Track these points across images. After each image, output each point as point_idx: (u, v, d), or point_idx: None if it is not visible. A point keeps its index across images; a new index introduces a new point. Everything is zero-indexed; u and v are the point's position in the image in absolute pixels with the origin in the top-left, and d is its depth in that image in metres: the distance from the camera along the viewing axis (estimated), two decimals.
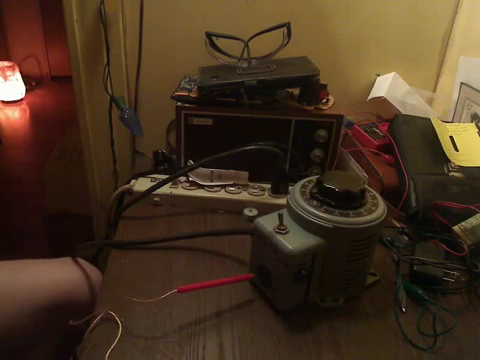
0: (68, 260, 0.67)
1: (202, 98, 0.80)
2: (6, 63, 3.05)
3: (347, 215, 0.53)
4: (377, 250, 0.60)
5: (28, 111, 3.07)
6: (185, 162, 0.84)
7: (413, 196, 0.72)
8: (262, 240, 0.55)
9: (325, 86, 0.83)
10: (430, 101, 1.07)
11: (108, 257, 0.65)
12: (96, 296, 0.61)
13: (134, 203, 0.74)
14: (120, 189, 0.78)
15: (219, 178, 0.78)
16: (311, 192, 0.57)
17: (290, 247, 0.51)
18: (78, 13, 0.87)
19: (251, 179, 0.79)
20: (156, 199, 0.76)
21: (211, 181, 0.78)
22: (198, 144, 0.82)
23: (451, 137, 0.83)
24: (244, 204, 0.75)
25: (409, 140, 0.81)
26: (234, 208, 0.76)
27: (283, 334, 0.54)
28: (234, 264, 0.65)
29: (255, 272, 0.59)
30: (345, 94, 1.03)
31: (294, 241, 0.52)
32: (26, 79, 3.18)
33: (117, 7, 0.89)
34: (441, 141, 0.80)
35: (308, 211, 0.54)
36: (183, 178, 0.79)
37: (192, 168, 0.76)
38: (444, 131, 0.83)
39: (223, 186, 0.78)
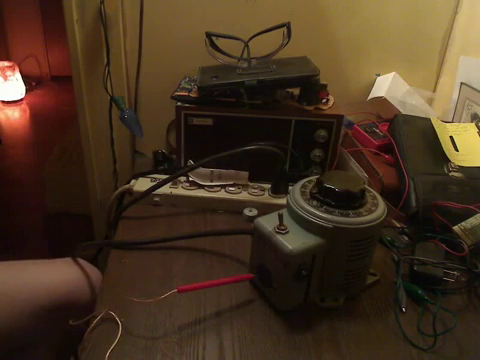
0: (68, 260, 0.67)
1: (202, 98, 0.80)
2: (6, 63, 3.05)
3: (347, 215, 0.53)
4: (377, 250, 0.60)
5: (28, 111, 3.07)
6: (185, 162, 0.84)
7: (413, 196, 0.72)
8: (262, 240, 0.55)
9: (325, 86, 0.83)
10: (430, 101, 1.07)
11: (108, 257, 0.65)
12: (96, 296, 0.61)
13: (134, 203, 0.74)
14: (120, 189, 0.78)
15: (219, 178, 0.78)
16: (311, 192, 0.57)
17: (290, 247, 0.51)
18: (78, 13, 0.87)
19: (251, 179, 0.79)
20: (156, 199, 0.76)
21: (211, 181, 0.78)
22: (198, 144, 0.82)
23: (451, 137, 0.83)
24: (244, 204, 0.75)
25: (409, 140, 0.81)
26: (234, 208, 0.76)
27: (283, 334, 0.54)
28: (234, 264, 0.65)
29: (255, 272, 0.59)
30: (345, 94, 1.03)
31: (294, 241, 0.52)
32: (26, 79, 3.18)
33: (117, 7, 0.89)
34: (441, 141, 0.80)
35: (308, 211, 0.54)
36: (183, 178, 0.79)
37: (192, 168, 0.76)
38: (444, 131, 0.83)
39: (223, 186, 0.78)
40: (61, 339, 0.67)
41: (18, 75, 3.08)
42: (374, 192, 0.59)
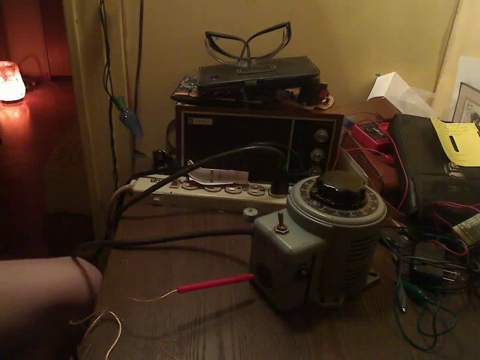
0: (68, 260, 0.67)
1: (202, 98, 0.80)
2: (6, 63, 3.05)
3: (347, 215, 0.53)
4: (377, 250, 0.60)
5: (28, 111, 3.07)
6: (185, 162, 0.84)
7: (413, 196, 0.72)
8: (262, 240, 0.55)
9: (325, 86, 0.82)
10: (430, 101, 1.07)
11: (108, 257, 0.65)
12: (96, 296, 0.61)
13: (134, 203, 0.74)
14: (120, 189, 0.78)
15: (219, 178, 0.78)
16: (311, 192, 0.57)
17: (290, 247, 0.51)
18: (78, 13, 0.87)
19: (251, 179, 0.79)
20: (156, 199, 0.76)
21: (211, 181, 0.78)
22: (198, 144, 0.82)
23: (451, 137, 0.83)
24: (244, 204, 0.75)
25: (409, 140, 0.81)
26: (234, 208, 0.76)
27: (283, 334, 0.54)
28: (234, 264, 0.65)
29: (255, 272, 0.59)
30: (345, 94, 1.03)
31: (294, 241, 0.52)
32: (26, 79, 3.18)
33: (117, 7, 0.89)
34: (441, 141, 0.80)
35: (308, 211, 0.54)
36: (183, 178, 0.79)
37: (192, 168, 0.76)
38: (444, 131, 0.83)
39: (223, 186, 0.78)
40: (61, 339, 0.67)
41: (18, 75, 3.08)
42: (374, 192, 0.59)
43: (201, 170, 0.77)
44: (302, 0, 0.95)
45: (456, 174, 0.75)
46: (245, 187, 0.78)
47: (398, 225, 0.74)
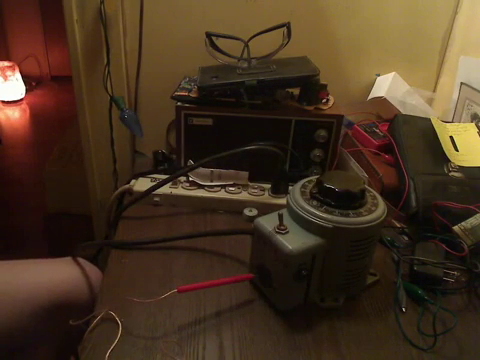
0: (68, 260, 0.67)
1: (202, 98, 0.80)
2: (6, 63, 3.05)
3: (347, 215, 0.53)
4: (377, 250, 0.60)
5: (28, 111, 3.07)
6: (185, 162, 0.84)
7: (413, 196, 0.72)
8: (262, 240, 0.55)
9: (325, 86, 0.82)
10: (430, 101, 1.07)
11: (108, 257, 0.65)
12: (96, 296, 0.61)
13: (134, 203, 0.74)
14: (120, 189, 0.78)
15: (219, 178, 0.78)
16: (311, 192, 0.57)
17: (290, 247, 0.51)
18: (78, 13, 0.87)
19: (251, 179, 0.79)
20: (156, 199, 0.76)
21: (211, 181, 0.78)
22: (198, 144, 0.82)
23: (451, 137, 0.83)
24: (244, 204, 0.75)
25: (409, 140, 0.81)
26: (234, 208, 0.76)
27: (283, 334, 0.54)
28: (234, 264, 0.65)
29: (255, 272, 0.59)
30: (345, 94, 1.03)
31: (294, 241, 0.52)
32: (26, 79, 3.18)
33: (117, 7, 0.89)
34: (441, 141, 0.80)
35: (308, 211, 0.54)
36: (183, 178, 0.79)
37: (192, 168, 0.76)
38: (444, 131, 0.83)
39: (223, 186, 0.78)
40: (61, 339, 0.67)
41: (18, 75, 3.08)
42: (374, 192, 0.59)
43: (201, 170, 0.77)
44: (302, 0, 0.95)
45: (456, 174, 0.75)
46: (245, 187, 0.78)
47: (398, 225, 0.74)
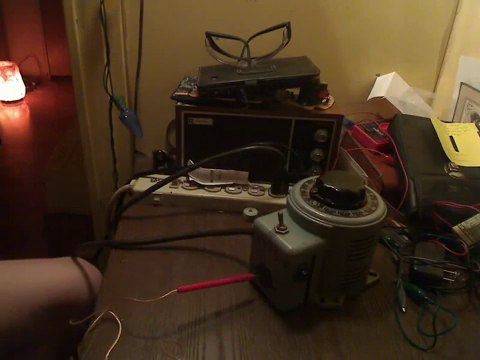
0: (68, 260, 0.67)
1: (202, 98, 0.80)
2: (6, 63, 3.06)
3: (347, 215, 0.53)
4: (377, 250, 0.60)
5: (28, 111, 3.07)
6: (185, 162, 0.84)
7: (413, 196, 0.72)
8: (262, 240, 0.55)
9: (325, 86, 0.82)
10: (430, 101, 1.07)
11: (108, 257, 0.65)
12: (96, 296, 0.61)
13: (134, 203, 0.74)
14: (120, 189, 0.78)
15: (219, 178, 0.78)
16: (311, 192, 0.57)
17: (290, 247, 0.51)
18: (78, 13, 0.87)
19: (251, 179, 0.79)
20: (156, 199, 0.76)
21: (211, 181, 0.78)
22: (198, 144, 0.82)
23: (451, 137, 0.83)
24: (244, 204, 0.75)
25: (409, 140, 0.81)
26: (234, 208, 0.76)
27: (283, 334, 0.54)
28: (234, 264, 0.65)
29: (255, 272, 0.59)
30: (345, 94, 1.03)
31: (294, 241, 0.52)
32: (26, 79, 3.18)
33: (117, 7, 0.89)
34: (441, 141, 0.80)
35: (308, 211, 0.54)
36: (183, 178, 0.79)
37: (192, 168, 0.76)
38: (444, 131, 0.83)
39: (223, 186, 0.78)
40: (61, 339, 0.67)
41: (18, 75, 3.09)
42: (374, 192, 0.59)
43: (201, 170, 0.77)
44: (302, 0, 0.95)
45: (456, 174, 0.75)
46: (245, 187, 0.78)
47: (398, 225, 0.74)
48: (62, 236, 1.44)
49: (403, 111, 0.97)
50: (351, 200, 0.55)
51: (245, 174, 0.78)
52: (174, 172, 0.76)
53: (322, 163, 0.83)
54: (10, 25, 3.25)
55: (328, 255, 0.55)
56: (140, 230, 0.71)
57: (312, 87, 0.80)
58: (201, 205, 0.77)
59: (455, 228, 0.67)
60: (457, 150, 0.80)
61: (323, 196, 0.55)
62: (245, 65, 0.81)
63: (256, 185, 0.79)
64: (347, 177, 0.59)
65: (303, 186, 0.59)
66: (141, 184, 0.77)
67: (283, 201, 0.66)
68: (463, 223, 0.67)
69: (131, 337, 0.51)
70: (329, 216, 0.53)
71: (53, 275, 0.64)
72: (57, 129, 2.56)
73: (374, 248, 0.58)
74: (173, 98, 0.81)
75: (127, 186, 0.78)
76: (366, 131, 0.88)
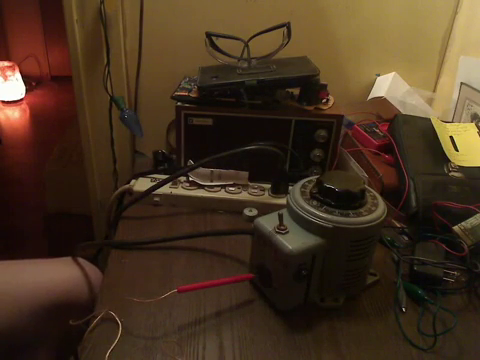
0: (68, 260, 0.67)
1: (202, 98, 0.80)
2: (6, 63, 3.06)
3: (347, 215, 0.53)
4: (377, 250, 0.60)
5: (28, 111, 3.07)
6: (185, 162, 0.84)
7: (413, 196, 0.72)
8: (262, 240, 0.55)
9: (325, 86, 0.82)
10: (430, 101, 1.07)
11: (108, 257, 0.65)
12: (96, 296, 0.61)
13: (134, 203, 0.74)
14: (120, 189, 0.78)
15: (219, 178, 0.78)
16: (311, 192, 0.57)
17: (290, 247, 0.51)
18: (78, 13, 0.87)
19: (251, 179, 0.79)
20: (156, 199, 0.76)
21: (211, 181, 0.78)
22: (198, 144, 0.82)
23: (451, 137, 0.83)
24: (244, 204, 0.75)
25: (409, 140, 0.81)
26: (234, 208, 0.76)
27: (283, 334, 0.54)
28: (234, 264, 0.65)
29: (255, 272, 0.59)
30: (345, 94, 1.03)
31: (294, 241, 0.52)
32: (26, 79, 3.18)
33: (117, 7, 0.89)
34: (441, 141, 0.80)
35: (308, 211, 0.54)
36: (183, 178, 0.79)
37: (192, 168, 0.76)
38: (444, 131, 0.83)
39: (223, 186, 0.78)
40: (61, 339, 0.67)
41: (18, 75, 3.09)
42: (374, 192, 0.59)
43: (201, 170, 0.77)
44: (302, 0, 0.95)
45: (456, 174, 0.75)
46: (245, 187, 0.78)
47: (398, 225, 0.74)
48: (62, 236, 1.44)
49: (403, 111, 0.97)
50: (351, 200, 0.55)
51: (245, 174, 0.78)
52: (174, 172, 0.76)
53: (322, 163, 0.83)
54: (10, 25, 3.25)
55: (328, 255, 0.55)
56: (140, 230, 0.71)
57: (312, 87, 0.80)
58: (201, 205, 0.77)
59: (455, 228, 0.67)
60: (457, 150, 0.80)
61: (323, 196, 0.55)
62: (245, 65, 0.81)
63: (256, 185, 0.79)
64: (347, 177, 0.59)
65: (303, 186, 0.59)
66: (141, 184, 0.77)
67: (283, 201, 0.66)
68: (463, 223, 0.67)
69: (131, 337, 0.51)
70: (329, 216, 0.53)
71: (53, 275, 0.64)
72: (57, 129, 2.56)
73: (374, 248, 0.58)
74: (173, 98, 0.81)
75: (127, 186, 0.78)
76: (366, 131, 0.88)
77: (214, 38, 0.84)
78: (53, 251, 1.48)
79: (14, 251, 1.67)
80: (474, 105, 0.95)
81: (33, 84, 3.33)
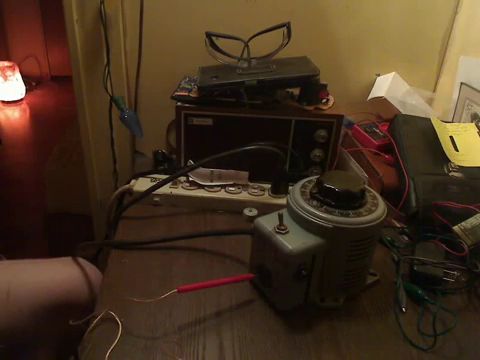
0: (68, 260, 0.67)
1: (202, 98, 0.80)
2: (6, 63, 3.06)
3: (347, 215, 0.53)
4: (377, 250, 0.60)
5: (28, 111, 3.07)
6: (185, 162, 0.84)
7: (413, 196, 0.72)
8: (262, 240, 0.55)
9: (325, 86, 0.82)
10: (430, 101, 1.07)
11: (108, 257, 0.65)
12: (96, 296, 0.61)
13: (134, 203, 0.74)
14: (120, 189, 0.78)
15: (219, 178, 0.78)
16: (311, 192, 0.57)
17: (290, 247, 0.51)
18: (78, 13, 0.87)
19: (251, 179, 0.79)
20: (156, 199, 0.76)
21: (211, 181, 0.78)
22: (198, 144, 0.82)
23: (451, 137, 0.83)
24: (244, 204, 0.75)
25: (409, 140, 0.81)
26: (234, 208, 0.76)
27: (283, 334, 0.54)
28: (234, 264, 0.65)
29: (255, 272, 0.59)
30: (345, 94, 1.03)
31: (294, 241, 0.52)
32: (26, 79, 3.18)
33: (117, 7, 0.89)
34: (441, 141, 0.80)
35: (308, 211, 0.54)
36: (183, 178, 0.79)
37: (192, 168, 0.76)
38: (444, 131, 0.83)
39: (223, 186, 0.78)
40: (61, 339, 0.67)
41: (18, 75, 3.08)
42: (374, 192, 0.59)
43: (201, 170, 0.77)
44: (302, 0, 0.95)
45: (456, 174, 0.75)
46: (245, 187, 0.78)
47: (398, 225, 0.74)
48: (62, 236, 1.44)
49: (403, 111, 0.97)
50: (351, 200, 0.55)
51: (245, 174, 0.78)
52: (174, 172, 0.76)
53: (322, 163, 0.83)
54: (10, 25, 3.25)
55: (328, 255, 0.55)
56: (140, 230, 0.71)
57: (312, 87, 0.80)
58: (201, 205, 0.77)
59: (455, 228, 0.67)
60: (457, 150, 0.80)
61: (323, 196, 0.55)
62: (245, 65, 0.81)
63: (256, 185, 0.79)
64: (347, 177, 0.59)
65: (303, 186, 0.59)
66: (141, 184, 0.77)
67: (283, 201, 0.66)
68: (463, 223, 0.67)
69: (131, 337, 0.51)
70: (329, 216, 0.53)
71: (53, 275, 0.65)
72: (57, 129, 2.56)
73: (374, 248, 0.58)
74: (173, 98, 0.81)
75: (127, 186, 0.78)
76: (366, 131, 0.88)
77: (214, 38, 0.84)
78: (53, 251, 1.48)
79: (14, 251, 1.67)
80: (474, 105, 0.95)
81: (33, 84, 3.33)
